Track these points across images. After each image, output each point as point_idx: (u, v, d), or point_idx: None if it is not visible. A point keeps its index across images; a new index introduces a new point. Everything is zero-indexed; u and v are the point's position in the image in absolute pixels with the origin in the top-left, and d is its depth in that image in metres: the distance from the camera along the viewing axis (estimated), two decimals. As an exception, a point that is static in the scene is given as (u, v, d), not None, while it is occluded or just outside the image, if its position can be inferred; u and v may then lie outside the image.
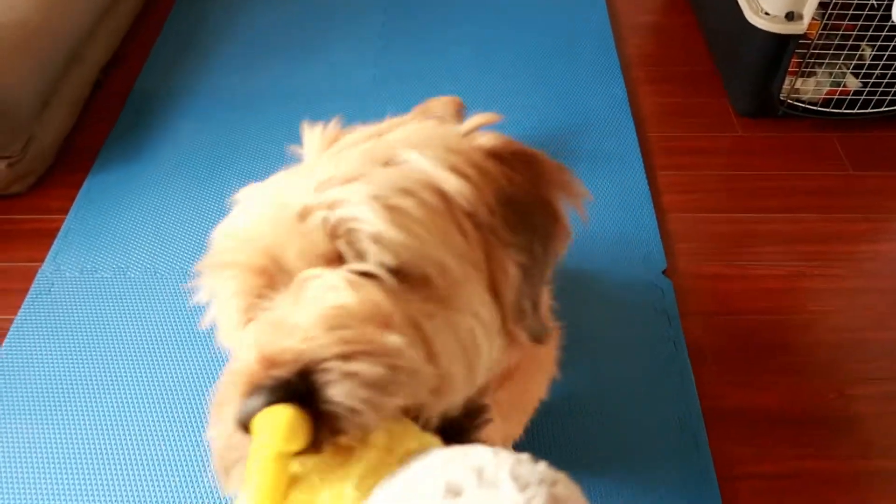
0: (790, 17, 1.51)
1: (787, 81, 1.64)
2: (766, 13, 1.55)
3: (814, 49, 1.57)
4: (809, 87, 1.68)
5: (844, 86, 1.69)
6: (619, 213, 1.53)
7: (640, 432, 1.19)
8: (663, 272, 1.42)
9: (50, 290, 1.45)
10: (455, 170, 0.53)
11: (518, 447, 1.16)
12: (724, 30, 1.78)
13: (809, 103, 1.68)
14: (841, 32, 1.61)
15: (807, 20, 1.51)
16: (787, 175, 1.61)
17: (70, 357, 1.33)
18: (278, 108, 1.81)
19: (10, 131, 1.54)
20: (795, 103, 1.68)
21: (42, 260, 1.50)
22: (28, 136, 1.61)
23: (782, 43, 1.56)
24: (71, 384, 1.30)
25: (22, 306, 1.42)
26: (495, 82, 1.86)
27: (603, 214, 1.53)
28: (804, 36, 1.55)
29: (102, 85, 1.90)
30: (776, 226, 1.50)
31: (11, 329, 1.38)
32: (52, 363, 1.33)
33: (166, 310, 1.39)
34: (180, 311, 1.39)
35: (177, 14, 2.14)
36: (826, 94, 1.68)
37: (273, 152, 1.66)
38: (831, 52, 1.57)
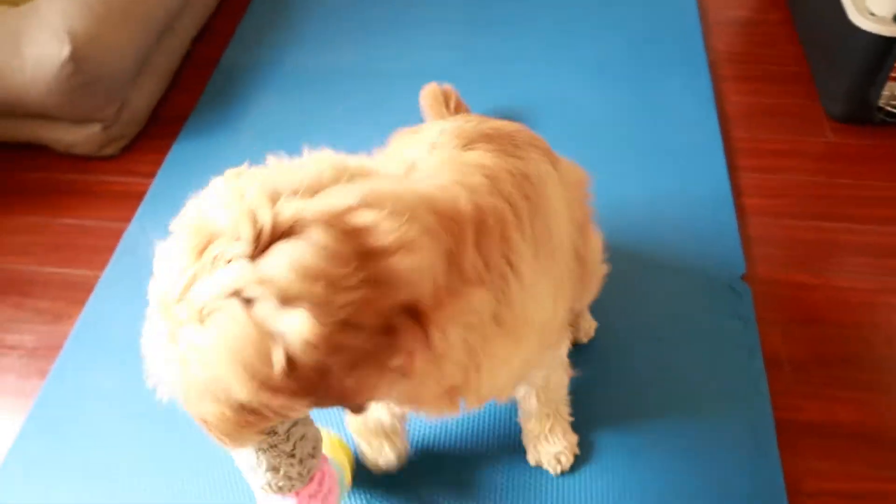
0: (898, 19, 1.44)
1: (887, 87, 1.57)
2: (872, 14, 1.48)
3: (920, 54, 1.49)
4: (911, 95, 1.60)
5: (950, 95, 1.60)
6: (697, 212, 1.49)
7: (706, 437, 1.17)
8: (742, 277, 1.38)
9: (135, 251, 1.51)
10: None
11: (585, 445, 1.15)
12: (823, 29, 1.70)
13: (910, 111, 1.60)
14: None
15: (916, 23, 1.43)
16: (879, 185, 1.54)
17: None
18: (360, 87, 1.82)
19: (106, 95, 1.61)
20: (894, 111, 1.60)
21: (129, 220, 1.56)
22: (122, 102, 1.68)
23: (887, 46, 1.48)
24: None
25: (109, 263, 1.48)
26: (575, 72, 1.84)
27: (681, 212, 1.49)
28: (911, 40, 1.47)
29: (191, 56, 1.96)
30: (865, 237, 1.44)
31: (98, 284, 1.45)
32: (134, 319, 1.39)
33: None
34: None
35: (265, -11, 2.18)
36: (929, 103, 1.59)
37: (353, 132, 1.68)
38: (939, 58, 1.49)
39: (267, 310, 0.51)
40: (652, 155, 1.61)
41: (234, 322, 0.51)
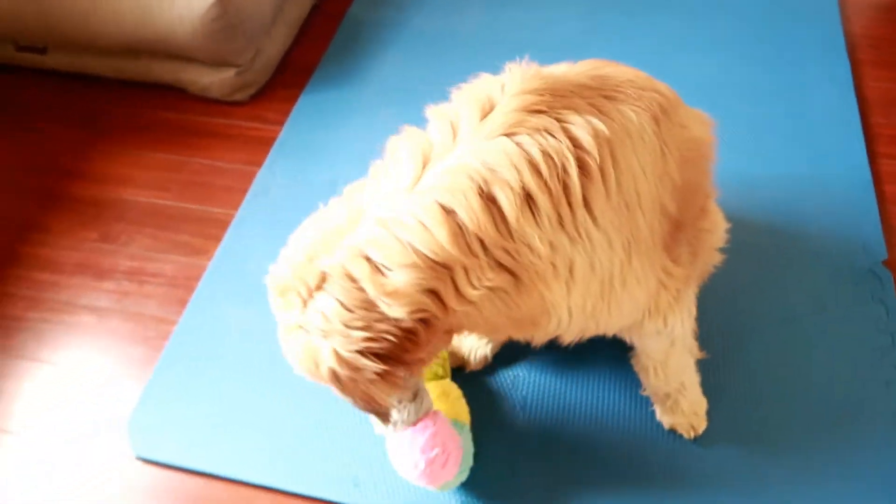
0: None
1: None
2: None
3: None
4: None
5: None
6: (836, 197, 1.45)
7: (843, 425, 1.14)
8: (883, 262, 1.34)
9: (267, 193, 1.55)
10: None
11: (714, 432, 1.14)
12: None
13: None
14: None
15: None
16: None
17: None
18: (480, 54, 1.83)
19: (245, 41, 1.65)
20: None
21: (260, 165, 1.61)
22: (256, 49, 1.72)
23: None
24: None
25: (242, 204, 1.53)
26: (707, 52, 1.79)
27: (819, 196, 1.45)
28: None
29: (319, 8, 1.99)
30: None
31: (233, 223, 1.49)
32: (266, 257, 1.43)
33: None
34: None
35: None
36: None
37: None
38: None
39: (314, 339, 0.77)
40: (788, 137, 1.57)
41: (300, 342, 0.79)
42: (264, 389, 1.23)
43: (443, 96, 0.86)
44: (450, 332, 0.87)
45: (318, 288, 0.76)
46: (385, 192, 0.77)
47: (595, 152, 0.77)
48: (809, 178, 1.49)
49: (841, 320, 1.27)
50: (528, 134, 0.76)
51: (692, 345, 1.07)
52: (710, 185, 1.06)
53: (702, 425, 1.12)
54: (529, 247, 0.77)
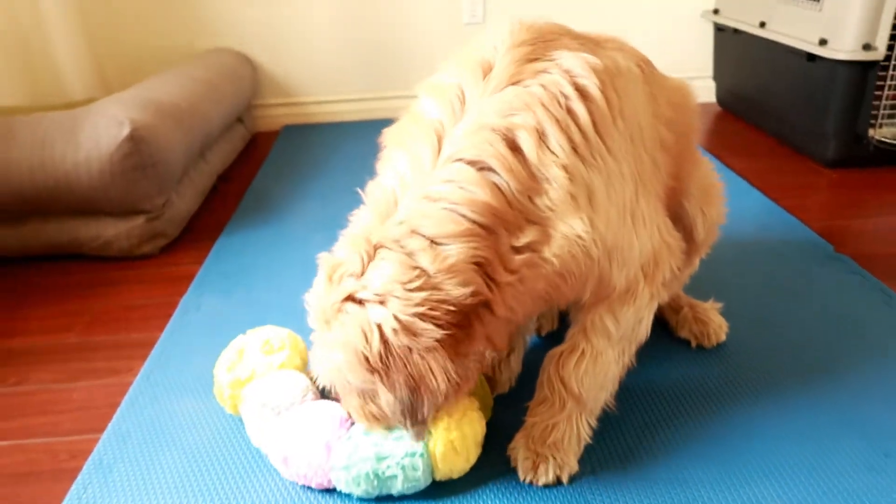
0: None
1: None
2: None
3: None
4: None
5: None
6: (772, 217, 1.55)
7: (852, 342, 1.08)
8: (835, 251, 1.40)
9: (198, 309, 1.33)
10: None
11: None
12: None
13: None
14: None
15: None
16: None
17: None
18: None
19: (157, 185, 1.56)
20: None
21: (182, 294, 1.41)
22: (168, 198, 1.63)
23: None
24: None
25: (168, 325, 1.29)
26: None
27: (758, 220, 1.55)
28: None
29: (225, 180, 1.98)
30: None
31: (159, 342, 1.24)
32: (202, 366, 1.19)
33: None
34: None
35: (276, 151, 2.31)
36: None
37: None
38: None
39: (369, 305, 0.73)
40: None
41: (347, 316, 0.74)
42: None
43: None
44: (501, 321, 0.79)
45: (372, 258, 0.74)
46: (412, 174, 0.77)
47: (592, 78, 0.79)
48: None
49: (831, 288, 1.28)
50: (530, 77, 0.78)
51: (629, 348, 0.91)
52: (696, 135, 1.09)
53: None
54: (548, 180, 0.74)
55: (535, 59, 0.79)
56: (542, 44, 0.81)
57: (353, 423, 0.89)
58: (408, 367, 0.74)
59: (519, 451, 0.90)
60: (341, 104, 2.60)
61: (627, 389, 1.02)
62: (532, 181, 0.75)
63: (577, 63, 0.78)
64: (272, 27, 2.45)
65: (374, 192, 0.80)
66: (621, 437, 0.96)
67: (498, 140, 0.74)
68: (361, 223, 0.78)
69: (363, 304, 0.73)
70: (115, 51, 2.40)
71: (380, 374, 0.74)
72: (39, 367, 1.21)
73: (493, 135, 0.74)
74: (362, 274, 0.74)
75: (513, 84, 0.77)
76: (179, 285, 1.46)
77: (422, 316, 0.72)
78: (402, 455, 0.84)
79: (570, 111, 0.76)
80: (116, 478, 0.93)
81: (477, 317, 0.76)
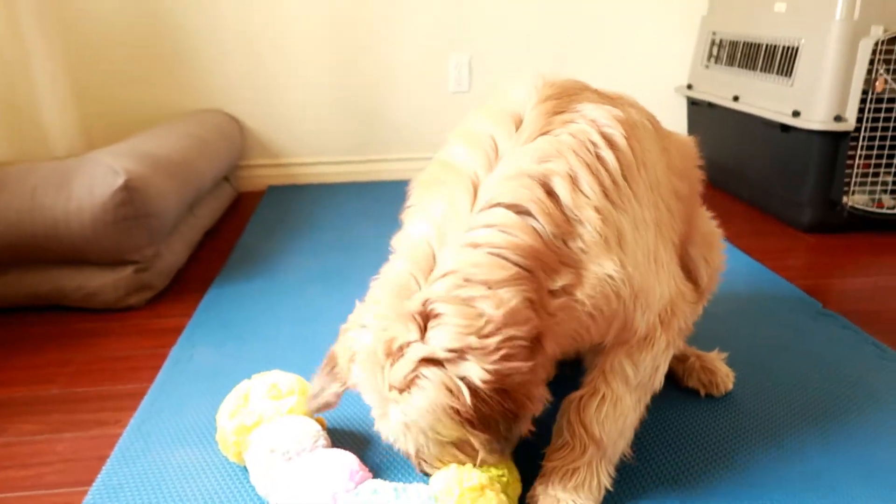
0: None
1: None
2: None
3: None
4: None
5: None
6: (761, 279, 1.58)
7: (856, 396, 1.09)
8: (823, 307, 1.43)
9: (190, 360, 1.29)
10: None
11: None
12: None
13: None
14: None
15: None
16: None
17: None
18: (333, 291, 1.58)
19: (148, 236, 1.54)
20: None
21: (171, 346, 1.36)
22: (157, 249, 1.60)
23: None
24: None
25: (158, 375, 1.25)
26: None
27: (748, 281, 1.58)
28: None
29: (213, 235, 1.95)
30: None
31: (149, 393, 1.19)
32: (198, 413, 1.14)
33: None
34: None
35: (262, 209, 2.30)
36: None
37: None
38: None
39: (448, 369, 0.73)
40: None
41: (426, 381, 0.73)
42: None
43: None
44: (549, 358, 0.82)
45: (429, 318, 0.74)
46: (449, 221, 0.78)
47: (618, 128, 0.83)
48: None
49: (825, 343, 1.30)
50: (559, 127, 0.82)
51: (645, 398, 0.92)
52: (700, 186, 1.12)
53: None
54: (581, 223, 0.78)
55: (562, 112, 0.84)
56: (566, 98, 0.86)
57: (363, 477, 0.86)
58: (504, 404, 0.74)
59: (539, 497, 0.87)
60: (326, 166, 2.63)
61: (639, 437, 1.01)
62: (566, 225, 0.77)
63: (601, 114, 0.83)
64: (259, 89, 2.49)
65: (404, 243, 0.80)
66: (640, 484, 0.94)
67: (535, 185, 0.77)
68: (398, 281, 0.78)
69: (442, 363, 0.73)
70: (103, 110, 2.41)
71: (471, 423, 0.74)
72: (19, 419, 1.14)
73: (529, 180, 0.77)
74: (423, 336, 0.74)
75: (543, 134, 0.81)
76: (167, 337, 1.41)
77: (505, 358, 0.73)
78: None
79: (599, 158, 0.80)
80: (108, 532, 0.87)
81: (539, 349, 0.77)
